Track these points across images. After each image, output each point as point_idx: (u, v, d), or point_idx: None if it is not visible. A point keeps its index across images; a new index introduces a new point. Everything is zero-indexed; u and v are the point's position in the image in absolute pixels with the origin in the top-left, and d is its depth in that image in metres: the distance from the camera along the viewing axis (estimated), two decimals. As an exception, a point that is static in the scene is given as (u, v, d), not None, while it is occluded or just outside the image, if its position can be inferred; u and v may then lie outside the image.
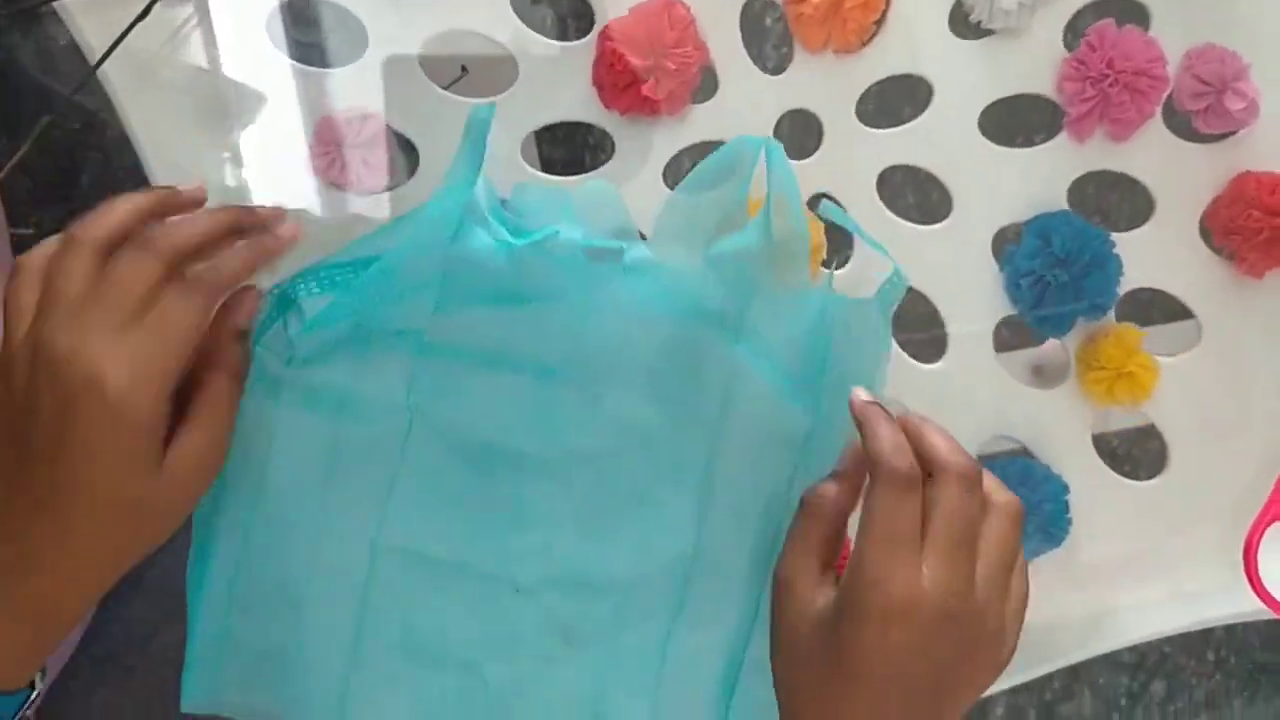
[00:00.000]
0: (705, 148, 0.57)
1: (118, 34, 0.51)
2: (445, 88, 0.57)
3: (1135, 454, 0.64)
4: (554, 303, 0.46)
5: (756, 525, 0.48)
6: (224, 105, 0.56)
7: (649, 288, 0.46)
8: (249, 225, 0.44)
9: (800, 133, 0.57)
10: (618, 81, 0.55)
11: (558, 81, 0.56)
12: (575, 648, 0.50)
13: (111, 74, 0.53)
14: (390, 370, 0.46)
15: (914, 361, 0.60)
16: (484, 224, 0.45)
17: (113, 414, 0.40)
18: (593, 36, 0.56)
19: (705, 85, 0.57)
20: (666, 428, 0.48)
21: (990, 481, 0.43)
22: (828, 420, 0.47)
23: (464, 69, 0.61)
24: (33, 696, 0.45)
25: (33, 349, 0.40)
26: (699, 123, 0.57)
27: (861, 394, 0.44)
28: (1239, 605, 0.64)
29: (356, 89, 0.56)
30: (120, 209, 0.42)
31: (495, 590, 0.49)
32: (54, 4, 0.51)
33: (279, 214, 0.45)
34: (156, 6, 0.52)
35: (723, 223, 0.46)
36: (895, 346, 0.59)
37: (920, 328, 0.61)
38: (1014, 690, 1.07)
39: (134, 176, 0.56)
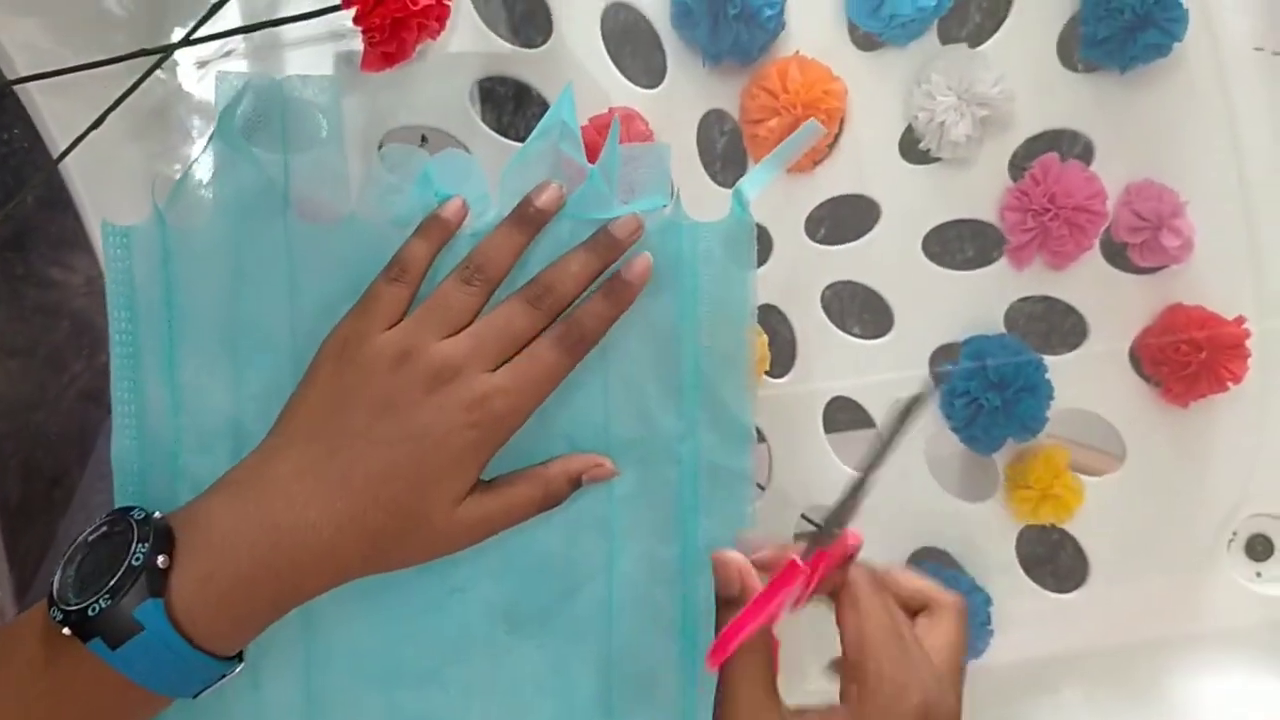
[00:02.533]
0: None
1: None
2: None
3: (1056, 567, 0.66)
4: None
5: (671, 473, 0.52)
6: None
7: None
8: (609, 260, 0.49)
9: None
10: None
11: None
12: (522, 632, 0.52)
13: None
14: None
15: (848, 469, 0.62)
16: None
17: (484, 431, 0.46)
18: (553, 143, 0.57)
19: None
20: (562, 396, 0.49)
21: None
22: (709, 354, 0.51)
23: (424, 138, 0.62)
24: (236, 671, 0.46)
25: (405, 351, 0.45)
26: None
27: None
28: (1152, 717, 0.66)
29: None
30: (507, 245, 0.48)
31: (433, 596, 0.51)
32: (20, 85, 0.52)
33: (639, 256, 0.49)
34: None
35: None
36: (834, 458, 0.61)
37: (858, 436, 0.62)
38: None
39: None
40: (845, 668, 0.44)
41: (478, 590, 0.51)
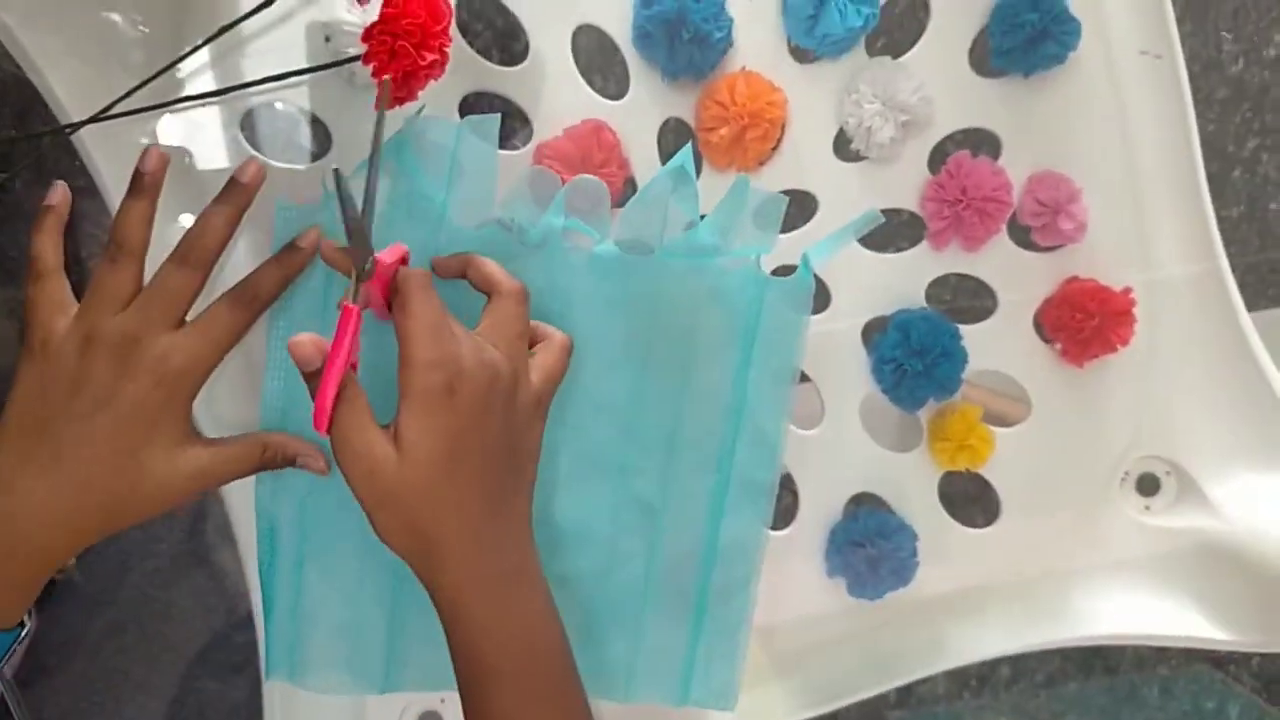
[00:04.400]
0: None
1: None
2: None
3: (961, 513, 0.76)
4: (535, 280, 0.56)
5: (704, 481, 0.62)
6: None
7: (615, 279, 0.59)
8: (243, 205, 0.54)
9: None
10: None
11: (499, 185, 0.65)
12: (568, 592, 0.61)
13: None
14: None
15: (795, 429, 0.71)
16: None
17: (169, 387, 0.51)
18: (529, 149, 0.64)
19: (627, 192, 0.66)
20: (637, 405, 0.60)
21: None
22: (757, 389, 0.61)
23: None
24: (23, 634, 0.52)
25: (86, 335, 0.50)
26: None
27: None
28: (1059, 633, 0.75)
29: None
30: (136, 220, 0.52)
31: None
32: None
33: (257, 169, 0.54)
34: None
35: (668, 226, 0.59)
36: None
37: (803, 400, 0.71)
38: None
39: (68, 176, 0.60)
40: (399, 363, 0.49)
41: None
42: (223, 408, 0.60)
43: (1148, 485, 0.76)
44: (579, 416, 0.60)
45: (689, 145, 0.60)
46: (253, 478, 0.57)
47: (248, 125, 0.63)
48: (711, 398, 0.61)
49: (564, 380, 0.57)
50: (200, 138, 0.62)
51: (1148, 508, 0.76)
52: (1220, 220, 0.71)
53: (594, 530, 0.61)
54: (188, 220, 0.61)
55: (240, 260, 0.60)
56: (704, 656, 0.63)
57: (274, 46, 0.60)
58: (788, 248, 0.68)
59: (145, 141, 0.61)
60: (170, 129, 0.62)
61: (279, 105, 0.63)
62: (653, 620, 0.63)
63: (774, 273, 0.65)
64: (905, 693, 1.27)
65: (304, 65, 0.58)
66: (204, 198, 0.57)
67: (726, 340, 0.61)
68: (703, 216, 0.60)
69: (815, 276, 0.62)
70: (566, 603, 0.60)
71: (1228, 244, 0.71)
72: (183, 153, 0.61)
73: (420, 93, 0.53)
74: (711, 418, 0.62)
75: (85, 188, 0.59)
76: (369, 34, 0.50)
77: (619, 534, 0.62)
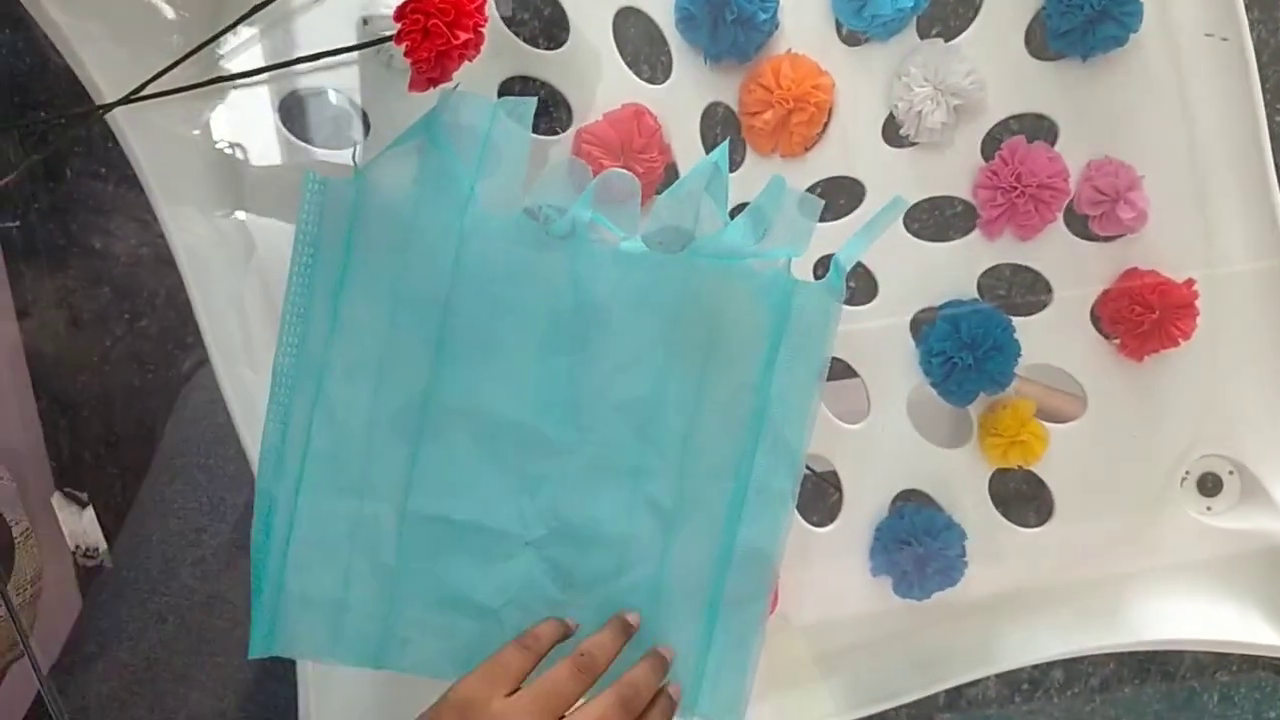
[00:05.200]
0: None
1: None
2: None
3: (1016, 513, 0.73)
4: (558, 272, 0.57)
5: (721, 486, 0.60)
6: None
7: (640, 276, 0.57)
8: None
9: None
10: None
11: (534, 171, 0.64)
12: (576, 591, 0.60)
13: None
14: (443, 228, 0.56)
15: (840, 423, 0.69)
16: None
17: None
18: (569, 134, 0.63)
19: (668, 178, 0.65)
20: (653, 406, 0.59)
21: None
22: (781, 394, 0.59)
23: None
24: None
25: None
26: (662, 213, 0.65)
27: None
28: (1113, 638, 0.73)
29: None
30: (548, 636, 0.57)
31: (509, 546, 0.59)
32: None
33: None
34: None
35: (699, 225, 0.58)
36: (824, 409, 0.68)
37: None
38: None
39: (117, 167, 0.60)
40: None
41: (548, 548, 0.59)
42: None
43: (1210, 485, 0.74)
44: (594, 414, 0.59)
45: (725, 143, 0.58)
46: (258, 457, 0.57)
47: (291, 112, 0.62)
48: (733, 402, 0.60)
49: (580, 377, 0.57)
50: (240, 124, 0.62)
51: (1209, 508, 0.74)
52: (1290, 215, 0.68)
53: (605, 531, 0.60)
54: (241, 216, 0.62)
55: (276, 241, 0.59)
56: (713, 668, 0.61)
57: (311, 29, 0.60)
58: (833, 236, 0.66)
59: (184, 127, 0.61)
60: (212, 119, 0.62)
61: (328, 95, 0.63)
62: (662, 627, 0.61)
63: (815, 264, 0.63)
64: (955, 695, 1.24)
65: (339, 46, 0.57)
66: (244, 189, 0.57)
67: (751, 343, 0.59)
68: (741, 206, 0.58)
69: (861, 266, 0.60)
70: (576, 603, 0.59)
71: (1301, 238, 0.69)
72: (226, 146, 0.60)
73: (455, 74, 0.52)
74: (732, 422, 0.60)
75: (135, 175, 0.59)
76: (401, 12, 0.49)
77: (631, 536, 0.60)
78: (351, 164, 0.55)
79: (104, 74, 0.55)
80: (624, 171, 0.58)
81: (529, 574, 0.59)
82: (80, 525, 0.70)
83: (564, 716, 0.53)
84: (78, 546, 0.70)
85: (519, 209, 0.57)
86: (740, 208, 0.59)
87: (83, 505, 0.70)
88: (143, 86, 0.53)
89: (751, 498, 0.60)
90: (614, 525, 0.60)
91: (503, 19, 0.61)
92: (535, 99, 0.56)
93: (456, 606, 0.59)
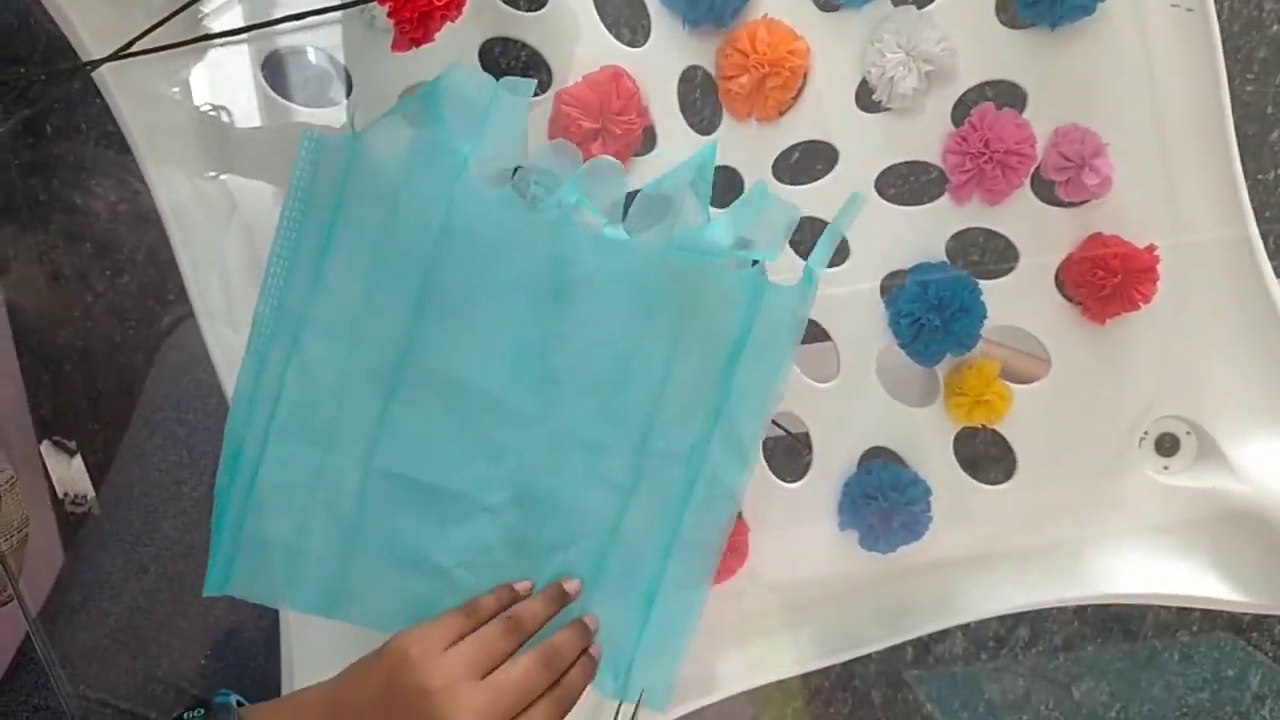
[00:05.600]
0: (643, 194, 0.66)
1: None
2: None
3: (983, 475, 0.75)
4: (540, 250, 0.58)
5: (677, 471, 0.62)
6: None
7: (618, 262, 0.59)
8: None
9: (724, 187, 0.66)
10: (570, 140, 0.64)
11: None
12: (526, 558, 0.62)
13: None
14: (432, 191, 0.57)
15: (810, 382, 0.71)
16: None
17: None
18: (549, 95, 0.64)
19: (645, 140, 0.66)
20: (618, 387, 0.61)
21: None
22: (741, 390, 0.61)
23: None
24: None
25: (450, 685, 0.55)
26: (639, 173, 0.66)
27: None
28: (1074, 590, 0.76)
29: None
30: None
31: (467, 509, 0.62)
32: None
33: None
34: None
35: (680, 218, 0.59)
36: (796, 369, 0.70)
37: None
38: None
39: (97, 124, 0.60)
40: None
41: (504, 514, 0.61)
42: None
43: (1167, 445, 0.76)
44: (562, 389, 0.61)
45: (714, 144, 0.60)
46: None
47: (273, 69, 0.63)
48: (693, 391, 0.61)
49: (552, 352, 0.59)
50: (224, 82, 0.63)
51: (1167, 468, 0.76)
52: (1258, 183, 0.70)
53: (561, 501, 0.62)
54: (225, 175, 0.62)
55: (259, 199, 0.60)
56: (646, 649, 0.64)
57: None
58: (808, 199, 0.67)
59: (169, 86, 0.61)
60: (196, 77, 0.62)
61: (310, 54, 0.64)
62: (601, 601, 0.63)
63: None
64: (922, 652, 1.27)
65: (322, 5, 0.57)
66: (229, 147, 0.57)
67: (718, 337, 0.61)
68: (717, 169, 0.60)
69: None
70: (525, 569, 0.62)
71: (1265, 206, 0.70)
72: (210, 106, 0.61)
73: (437, 35, 0.53)
74: (690, 411, 0.62)
75: (116, 132, 0.60)
76: (384, -27, 0.50)
77: (585, 509, 0.62)
78: (348, 126, 0.56)
79: (90, 31, 0.56)
80: (613, 160, 0.60)
81: (483, 537, 0.61)
82: (69, 473, 0.71)
83: (492, 671, 0.57)
84: (66, 493, 0.71)
85: (508, 185, 0.58)
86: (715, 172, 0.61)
87: (71, 454, 0.71)
88: (130, 44, 0.54)
89: (701, 487, 0.62)
90: (570, 497, 0.62)
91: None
92: (534, 81, 0.58)
93: (409, 564, 0.61)
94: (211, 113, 0.63)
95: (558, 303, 0.59)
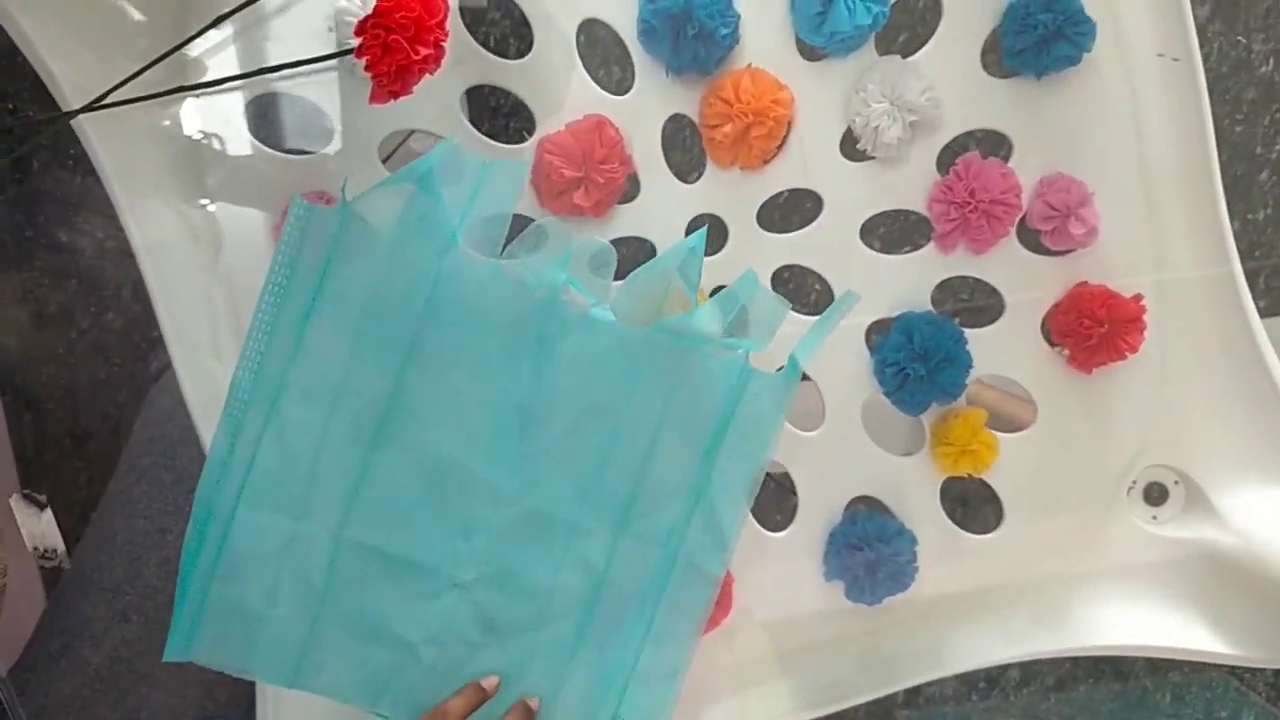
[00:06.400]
0: (628, 242, 0.66)
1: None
2: (385, 160, 0.65)
3: (975, 513, 0.75)
4: (526, 328, 0.58)
5: (655, 555, 0.61)
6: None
7: (604, 343, 0.58)
8: None
9: (709, 234, 0.66)
10: (552, 189, 0.64)
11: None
12: (497, 636, 0.61)
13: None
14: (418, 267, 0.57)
15: (795, 430, 0.70)
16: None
17: None
18: (531, 143, 0.64)
19: (629, 188, 0.66)
20: (598, 468, 0.60)
21: None
22: (721, 475, 0.60)
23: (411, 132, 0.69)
24: None
25: None
26: (622, 221, 0.66)
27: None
28: (1061, 642, 0.74)
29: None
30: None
31: (437, 585, 0.61)
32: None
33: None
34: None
35: (668, 303, 0.59)
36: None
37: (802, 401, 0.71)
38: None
39: (84, 161, 0.60)
40: None
41: (475, 592, 0.60)
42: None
43: (1155, 495, 0.75)
44: (540, 469, 0.60)
45: (704, 229, 0.60)
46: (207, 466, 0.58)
47: (257, 113, 0.63)
48: (674, 475, 0.61)
49: (531, 432, 0.59)
50: (205, 126, 0.63)
51: (1155, 517, 0.75)
52: (1247, 223, 0.70)
53: (533, 582, 0.61)
54: (207, 210, 0.62)
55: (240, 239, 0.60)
56: None
57: (279, 33, 0.60)
58: (791, 248, 0.67)
59: (146, 131, 0.61)
60: (176, 121, 0.62)
61: (297, 98, 0.63)
62: (574, 686, 0.62)
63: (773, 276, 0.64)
64: (913, 693, 1.26)
65: (305, 56, 0.57)
66: (209, 190, 0.57)
67: (701, 422, 0.60)
68: (699, 217, 0.59)
69: (818, 276, 0.61)
70: (494, 649, 0.61)
71: (1254, 246, 0.70)
72: (196, 140, 0.61)
73: (415, 87, 0.53)
74: (670, 495, 0.61)
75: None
76: (362, 27, 0.50)
77: (557, 591, 0.61)
78: (339, 195, 0.56)
79: (69, 80, 0.56)
80: (604, 242, 0.59)
81: (452, 614, 0.60)
82: (39, 527, 0.70)
83: None
84: (36, 548, 0.70)
85: (496, 262, 0.57)
86: (698, 219, 0.60)
87: (41, 507, 0.70)
88: (105, 95, 0.54)
89: (678, 572, 0.61)
90: (543, 578, 0.61)
91: (469, 19, 0.62)
92: (527, 164, 0.58)
93: (376, 637, 0.60)
94: (191, 155, 0.63)
95: (540, 381, 0.59)
